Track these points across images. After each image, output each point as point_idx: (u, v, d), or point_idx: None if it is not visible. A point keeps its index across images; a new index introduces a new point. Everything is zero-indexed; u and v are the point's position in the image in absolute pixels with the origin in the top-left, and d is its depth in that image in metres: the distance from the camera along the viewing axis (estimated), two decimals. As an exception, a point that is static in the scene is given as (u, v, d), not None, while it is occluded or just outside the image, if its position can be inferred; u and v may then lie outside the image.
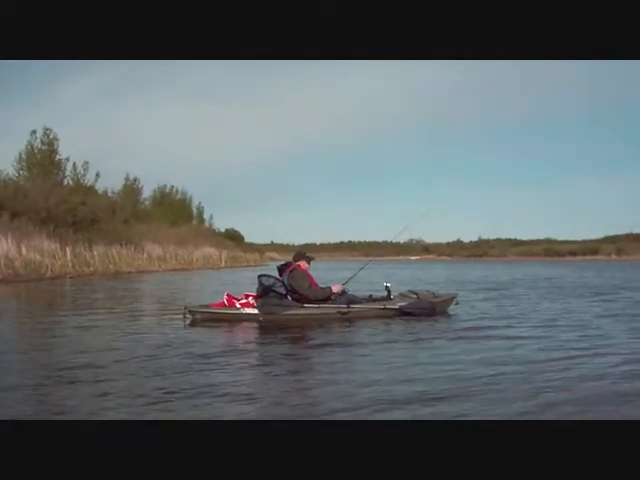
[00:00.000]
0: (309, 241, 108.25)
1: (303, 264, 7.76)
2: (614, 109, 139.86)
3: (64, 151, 29.69)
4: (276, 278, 7.50)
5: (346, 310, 7.53)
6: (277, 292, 7.34)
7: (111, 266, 23.26)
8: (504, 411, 3.24)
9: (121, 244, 25.65)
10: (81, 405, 3.39)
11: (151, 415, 3.18)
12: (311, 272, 7.85)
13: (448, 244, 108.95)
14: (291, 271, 7.61)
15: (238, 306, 7.41)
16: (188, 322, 7.29)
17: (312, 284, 7.58)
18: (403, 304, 7.83)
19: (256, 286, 7.43)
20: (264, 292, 7.34)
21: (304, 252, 8.08)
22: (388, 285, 8.09)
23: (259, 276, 7.50)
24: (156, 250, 28.92)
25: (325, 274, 17.19)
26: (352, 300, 7.72)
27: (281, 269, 7.75)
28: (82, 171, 31.14)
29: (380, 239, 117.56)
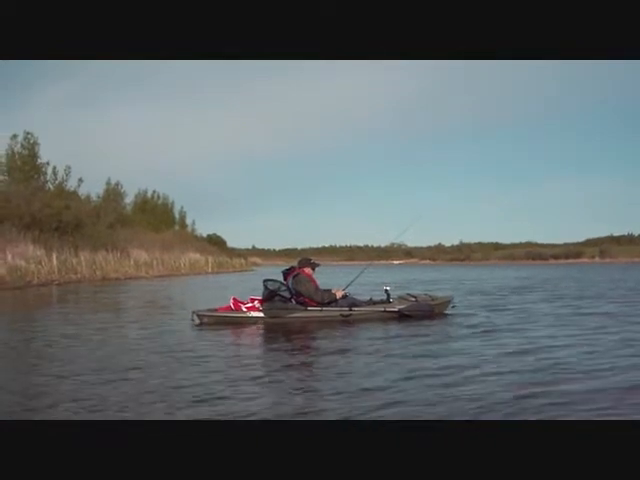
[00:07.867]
0: (290, 246, 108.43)
1: (308, 270, 7.93)
2: (595, 113, 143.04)
3: (45, 156, 29.29)
4: (281, 282, 7.68)
5: (348, 313, 7.70)
6: (282, 296, 7.52)
7: (98, 272, 22.98)
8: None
9: (107, 250, 25.35)
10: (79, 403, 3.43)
11: (153, 416, 3.18)
12: (315, 277, 8.01)
13: (429, 248, 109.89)
14: (296, 275, 7.76)
15: (244, 309, 7.55)
16: (196, 325, 7.40)
17: (318, 288, 7.74)
18: (403, 307, 8.01)
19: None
20: (269, 296, 7.52)
21: (309, 258, 8.22)
22: (388, 289, 8.27)
23: (264, 281, 7.68)
24: (142, 256, 28.65)
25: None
26: (354, 303, 7.89)
27: (285, 274, 7.89)
28: (64, 176, 30.71)
29: (362, 243, 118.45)
